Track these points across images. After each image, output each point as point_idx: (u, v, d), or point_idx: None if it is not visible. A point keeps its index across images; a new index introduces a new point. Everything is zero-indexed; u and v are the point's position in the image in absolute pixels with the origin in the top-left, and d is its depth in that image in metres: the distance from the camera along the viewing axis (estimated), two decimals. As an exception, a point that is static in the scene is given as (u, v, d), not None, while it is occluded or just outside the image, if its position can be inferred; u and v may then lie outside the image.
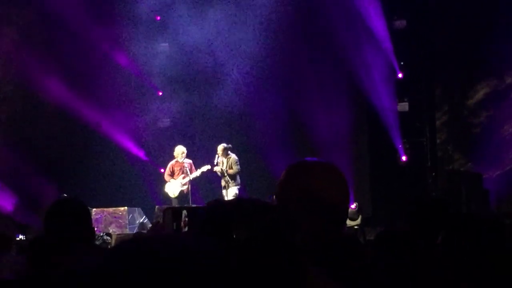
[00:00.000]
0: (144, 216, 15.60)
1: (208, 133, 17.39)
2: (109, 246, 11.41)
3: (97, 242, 12.36)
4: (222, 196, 15.04)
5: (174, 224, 10.72)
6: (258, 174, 16.44)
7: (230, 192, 15.02)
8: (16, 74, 17.42)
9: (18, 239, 12.35)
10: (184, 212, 11.91)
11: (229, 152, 15.14)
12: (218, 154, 15.10)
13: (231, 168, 15.06)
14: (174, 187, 15.59)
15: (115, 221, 15.11)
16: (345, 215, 2.51)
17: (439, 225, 4.26)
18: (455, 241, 3.55)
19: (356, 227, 13.91)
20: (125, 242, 1.25)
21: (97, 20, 17.22)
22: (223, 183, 15.16)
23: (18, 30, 17.68)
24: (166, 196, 15.81)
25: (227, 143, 15.28)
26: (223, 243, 1.75)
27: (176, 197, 15.57)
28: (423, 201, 5.18)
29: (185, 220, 11.46)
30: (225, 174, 15.02)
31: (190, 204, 15.18)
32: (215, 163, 15.09)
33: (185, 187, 15.51)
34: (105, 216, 15.24)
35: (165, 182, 15.85)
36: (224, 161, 15.08)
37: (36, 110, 18.07)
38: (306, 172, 2.48)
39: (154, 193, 17.28)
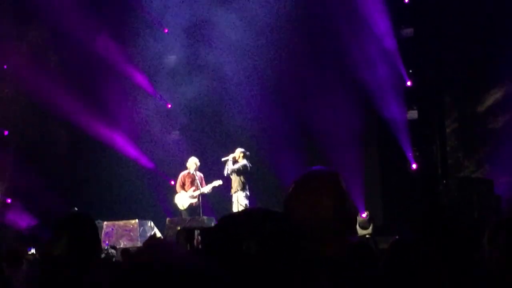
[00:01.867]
0: (155, 229, 15.59)
1: (218, 145, 17.41)
2: (114, 259, 11.44)
3: (102, 255, 12.38)
4: (231, 205, 15.14)
5: (188, 244, 10.81)
6: (269, 184, 16.43)
7: (239, 197, 15.05)
8: (27, 90, 17.50)
9: (30, 253, 12.37)
10: (197, 232, 11.98)
11: (242, 157, 15.24)
12: (234, 155, 15.21)
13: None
14: (183, 199, 15.60)
15: (126, 234, 15.12)
16: (352, 223, 2.52)
17: (449, 232, 4.24)
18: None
19: (367, 236, 13.88)
20: (137, 268, 1.25)
21: (107, 34, 17.31)
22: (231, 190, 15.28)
23: (29, 46, 17.80)
24: (175, 207, 15.82)
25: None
26: (231, 261, 1.75)
27: (185, 209, 15.58)
28: (431, 209, 5.16)
29: (198, 240, 11.53)
30: (228, 168, 15.11)
31: (201, 216, 15.19)
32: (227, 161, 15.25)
33: (195, 200, 15.52)
34: (116, 229, 15.25)
35: (175, 192, 15.86)
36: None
37: (47, 124, 18.15)
38: (311, 183, 2.52)
39: (165, 205, 17.30)
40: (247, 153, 15.44)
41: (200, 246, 11.51)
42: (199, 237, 11.55)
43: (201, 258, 1.51)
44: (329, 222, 2.41)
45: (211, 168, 16.18)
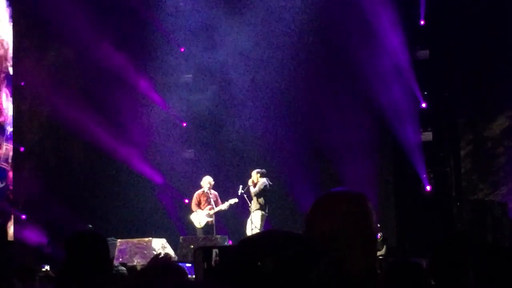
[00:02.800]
0: (169, 247, 15.61)
1: (232, 164, 17.46)
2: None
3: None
4: (246, 224, 15.18)
5: (205, 263, 10.81)
6: (282, 203, 16.44)
7: (255, 216, 15.11)
8: (44, 107, 17.62)
9: (43, 269, 12.43)
10: (215, 251, 11.98)
11: (259, 177, 15.29)
12: (252, 179, 15.26)
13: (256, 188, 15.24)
14: (200, 218, 15.66)
15: (139, 252, 15.14)
16: (374, 244, 2.53)
17: (464, 259, 4.25)
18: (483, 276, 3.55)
19: (380, 257, 13.84)
20: None
21: (124, 53, 17.43)
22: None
23: (47, 64, 17.94)
24: (192, 225, 15.86)
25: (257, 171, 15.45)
26: (249, 280, 1.77)
27: (202, 227, 15.64)
28: (447, 236, 5.14)
29: (216, 259, 11.53)
30: (251, 194, 15.15)
31: (215, 235, 15.23)
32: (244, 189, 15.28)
33: (211, 218, 15.59)
34: (129, 247, 15.28)
35: (191, 211, 15.91)
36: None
37: (62, 141, 18.28)
38: (331, 204, 2.51)
39: (178, 223, 17.34)
40: (263, 171, 15.50)
41: (216, 265, 11.49)
42: (217, 256, 11.55)
43: (205, 283, 1.54)
44: (352, 240, 2.42)
45: (225, 187, 16.23)
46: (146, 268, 3.67)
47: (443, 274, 4.27)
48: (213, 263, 10.71)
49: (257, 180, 15.33)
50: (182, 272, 4.23)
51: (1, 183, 17.08)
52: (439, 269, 4.32)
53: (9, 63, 17.51)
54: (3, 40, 17.49)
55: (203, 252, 10.96)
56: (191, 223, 15.94)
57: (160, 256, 3.65)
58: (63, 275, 3.93)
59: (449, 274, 4.24)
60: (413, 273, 3.94)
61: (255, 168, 15.58)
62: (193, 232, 16.07)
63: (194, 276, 12.68)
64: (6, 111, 17.45)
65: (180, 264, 13.56)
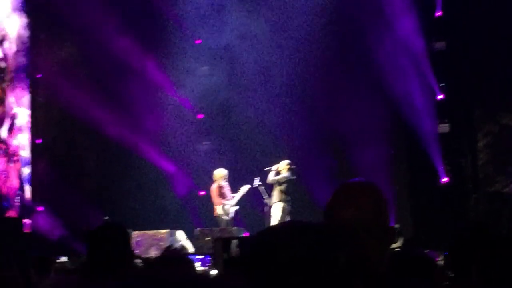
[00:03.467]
0: (186, 238, 15.63)
1: (248, 158, 17.44)
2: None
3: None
4: (265, 215, 15.22)
5: (225, 254, 10.79)
6: (300, 198, 16.41)
7: (275, 208, 15.13)
8: (61, 100, 17.68)
9: (59, 261, 12.46)
10: (235, 242, 11.97)
11: (287, 169, 15.31)
12: (278, 166, 15.32)
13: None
14: (229, 208, 15.68)
15: (155, 244, 15.17)
16: (390, 235, 2.53)
17: (482, 250, 4.23)
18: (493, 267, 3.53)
19: (397, 249, 13.79)
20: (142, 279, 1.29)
21: (139, 46, 17.46)
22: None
23: (63, 56, 18.01)
24: (219, 218, 15.80)
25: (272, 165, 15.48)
26: (267, 270, 1.77)
27: (230, 219, 15.67)
28: (462, 227, 5.13)
29: (236, 250, 11.50)
30: (268, 179, 15.25)
31: (230, 227, 15.27)
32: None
33: (237, 207, 15.65)
34: (145, 239, 15.32)
35: (213, 205, 15.87)
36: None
37: (78, 134, 18.34)
38: (350, 194, 2.53)
39: (194, 215, 17.37)
40: (293, 166, 15.47)
41: (236, 256, 11.49)
42: (237, 247, 11.53)
43: (211, 278, 1.53)
44: (372, 227, 2.42)
45: (240, 179, 16.23)
46: (156, 259, 3.71)
47: (461, 265, 4.26)
48: (233, 253, 10.72)
49: (282, 170, 15.35)
50: (191, 265, 4.27)
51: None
52: (457, 261, 4.30)
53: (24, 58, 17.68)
54: (18, 34, 17.61)
55: (223, 243, 10.95)
56: (216, 217, 15.85)
57: (172, 248, 3.67)
58: (86, 269, 3.96)
59: (467, 266, 4.22)
60: (420, 266, 3.93)
61: (273, 159, 15.61)
62: (209, 225, 16.08)
63: (207, 267, 12.65)
64: (22, 104, 17.60)
65: (191, 256, 13.60)
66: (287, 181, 15.28)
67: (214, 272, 10.63)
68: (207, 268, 12.56)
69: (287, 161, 15.45)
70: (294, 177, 15.39)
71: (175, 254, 3.40)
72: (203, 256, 14.00)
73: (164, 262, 3.52)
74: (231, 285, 1.45)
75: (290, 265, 1.85)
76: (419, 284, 3.03)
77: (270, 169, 15.38)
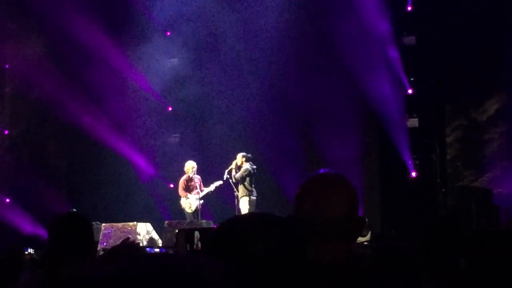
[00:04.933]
0: (153, 231, 15.59)
1: (217, 149, 17.40)
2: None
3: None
4: (235, 209, 15.20)
5: (188, 245, 10.75)
6: (269, 190, 16.42)
7: (242, 203, 15.15)
8: (29, 90, 17.52)
9: (26, 253, 12.34)
10: (197, 233, 11.94)
11: (244, 161, 15.28)
12: (236, 161, 15.25)
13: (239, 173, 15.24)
14: (191, 202, 15.67)
15: (124, 236, 15.04)
16: (361, 226, 2.51)
17: (452, 246, 4.24)
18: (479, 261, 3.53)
19: (365, 243, 13.85)
20: (135, 260, 1.25)
21: (109, 37, 17.33)
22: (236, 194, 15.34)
23: (31, 47, 17.83)
24: (183, 211, 15.81)
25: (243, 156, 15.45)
26: (236, 261, 1.74)
27: (193, 212, 15.64)
28: (433, 223, 5.13)
29: (197, 241, 11.49)
30: (233, 178, 15.17)
31: (199, 220, 15.24)
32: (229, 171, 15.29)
33: (201, 201, 15.61)
34: (114, 231, 15.23)
35: (179, 197, 15.88)
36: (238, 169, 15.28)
37: (48, 126, 18.19)
38: (317, 186, 2.49)
39: (163, 208, 17.32)
40: (249, 155, 15.48)
41: (199, 247, 11.49)
42: (199, 240, 11.52)
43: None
44: (340, 222, 2.39)
45: (210, 171, 16.20)
46: (109, 251, 3.67)
47: (433, 259, 4.26)
48: (196, 245, 10.66)
49: (241, 163, 15.33)
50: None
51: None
52: (428, 255, 4.30)
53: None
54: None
55: (185, 234, 10.93)
56: (181, 209, 15.91)
57: (129, 240, 3.63)
58: (45, 258, 3.89)
59: (439, 260, 4.23)
60: (403, 256, 3.93)
61: (240, 152, 15.57)
62: (178, 217, 16.06)
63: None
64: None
65: (149, 249, 13.52)
66: (249, 174, 15.27)
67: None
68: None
69: (242, 154, 15.44)
70: (255, 167, 15.37)
71: (128, 246, 3.34)
72: (159, 249, 14.01)
73: (116, 253, 3.47)
74: (200, 262, 1.42)
75: (251, 258, 1.82)
76: (401, 280, 3.02)
77: (231, 168, 15.35)
